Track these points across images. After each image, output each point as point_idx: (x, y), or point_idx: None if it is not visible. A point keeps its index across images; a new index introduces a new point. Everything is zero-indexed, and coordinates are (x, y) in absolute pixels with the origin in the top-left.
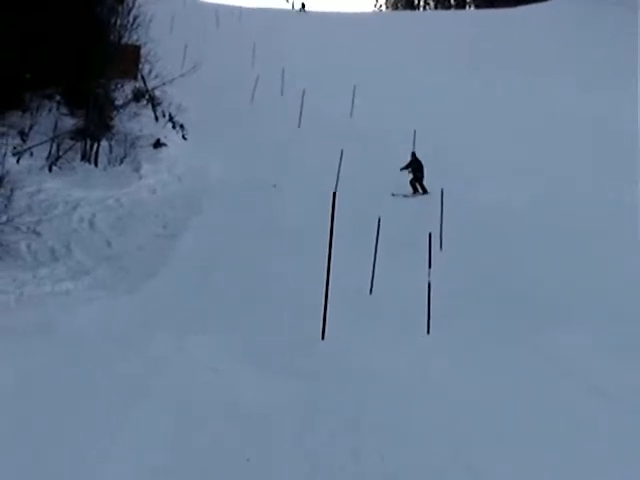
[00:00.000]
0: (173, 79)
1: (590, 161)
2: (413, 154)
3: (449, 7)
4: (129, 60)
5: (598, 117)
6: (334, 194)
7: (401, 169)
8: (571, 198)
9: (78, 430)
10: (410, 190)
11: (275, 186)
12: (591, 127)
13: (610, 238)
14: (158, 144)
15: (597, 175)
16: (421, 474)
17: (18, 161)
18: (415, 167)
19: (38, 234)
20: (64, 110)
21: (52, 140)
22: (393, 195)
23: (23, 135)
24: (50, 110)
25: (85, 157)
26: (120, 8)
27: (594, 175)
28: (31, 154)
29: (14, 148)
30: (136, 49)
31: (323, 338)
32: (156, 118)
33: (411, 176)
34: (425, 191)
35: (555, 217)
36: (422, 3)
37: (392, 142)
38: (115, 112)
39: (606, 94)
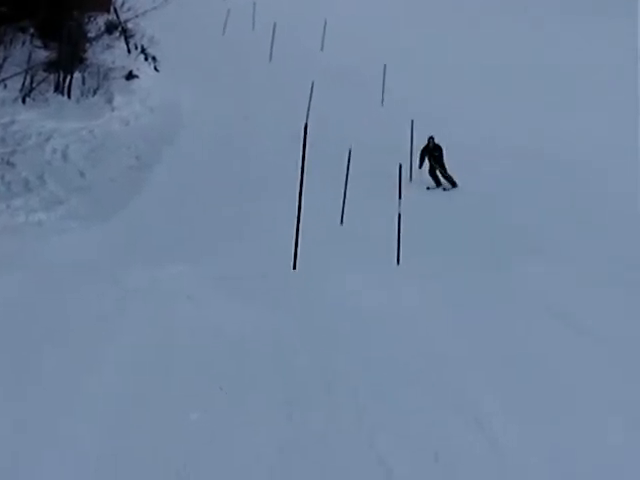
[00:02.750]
0: (145, 12)
1: (589, 105)
2: (431, 139)
3: None
4: None
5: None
6: (305, 126)
7: (420, 166)
8: (564, 143)
9: (58, 357)
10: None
11: (247, 118)
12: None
13: (603, 182)
14: (130, 76)
15: (596, 118)
16: (393, 404)
17: None
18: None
19: (12, 165)
20: (38, 43)
21: (26, 72)
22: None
23: None
24: (24, 43)
25: (58, 89)
26: None
27: (592, 119)
28: (5, 86)
29: None
30: None
31: (295, 268)
32: (128, 50)
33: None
34: (454, 183)
35: (543, 158)
36: None
37: (363, 76)
38: (88, 44)
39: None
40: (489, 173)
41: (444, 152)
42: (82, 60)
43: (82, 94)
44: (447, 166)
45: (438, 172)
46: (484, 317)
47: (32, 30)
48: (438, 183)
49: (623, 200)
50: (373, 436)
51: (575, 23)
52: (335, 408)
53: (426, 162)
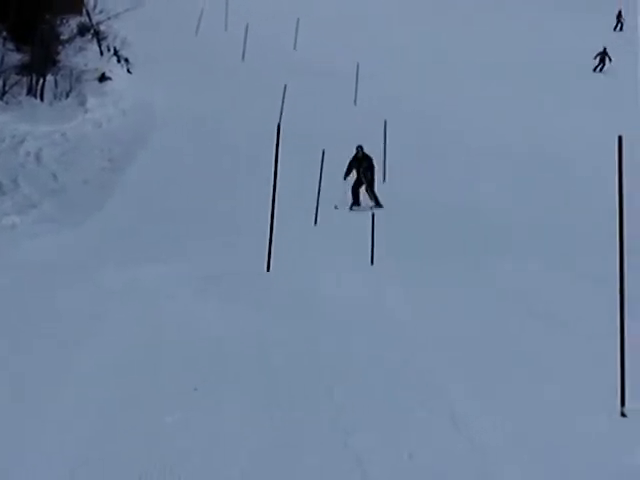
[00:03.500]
0: (118, 14)
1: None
2: (359, 148)
3: None
4: None
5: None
6: (278, 127)
7: (344, 177)
8: (558, 140)
9: (36, 353)
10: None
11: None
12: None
13: (597, 180)
14: (103, 78)
15: (590, 116)
16: (372, 404)
17: None
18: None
19: None
20: (10, 45)
21: None
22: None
23: None
24: None
25: (31, 92)
26: None
27: (587, 116)
28: None
29: None
30: None
31: (269, 269)
32: (101, 52)
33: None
34: (377, 202)
35: (537, 156)
36: None
37: (336, 74)
38: (60, 47)
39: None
40: (482, 171)
41: (374, 164)
42: (55, 63)
43: (55, 97)
44: (376, 181)
45: (363, 187)
46: (465, 316)
47: (4, 33)
48: (356, 202)
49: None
50: (349, 436)
51: (569, 20)
52: (312, 408)
53: (353, 174)
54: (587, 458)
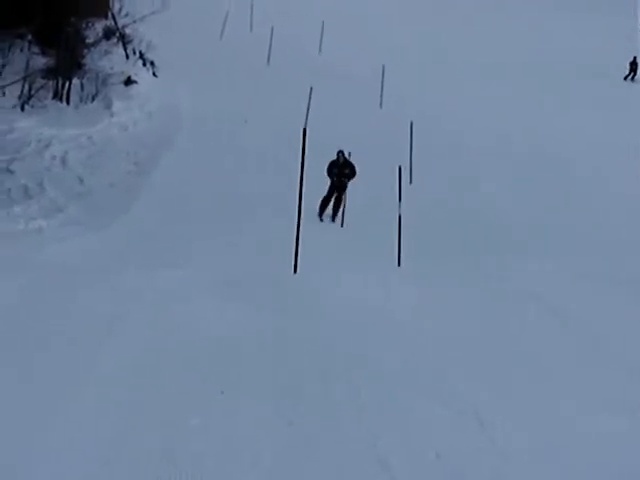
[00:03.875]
0: (143, 17)
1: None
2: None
3: None
4: None
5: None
6: (304, 130)
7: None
8: (558, 140)
9: (58, 354)
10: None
11: (246, 122)
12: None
13: (597, 180)
14: (129, 81)
15: (590, 116)
16: (393, 405)
17: None
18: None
19: (11, 172)
20: (35, 49)
21: (24, 79)
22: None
23: None
24: (22, 49)
25: (57, 95)
26: None
27: (587, 116)
28: (3, 94)
29: None
30: None
31: (295, 271)
32: (127, 56)
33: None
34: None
35: (538, 156)
36: None
37: (361, 78)
38: (86, 50)
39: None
40: (482, 171)
41: (357, 171)
42: (80, 66)
43: (81, 100)
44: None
45: (335, 196)
46: (483, 317)
47: (30, 37)
48: (321, 213)
49: (617, 199)
50: (374, 437)
51: (569, 20)
52: (335, 409)
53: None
54: (598, 458)
